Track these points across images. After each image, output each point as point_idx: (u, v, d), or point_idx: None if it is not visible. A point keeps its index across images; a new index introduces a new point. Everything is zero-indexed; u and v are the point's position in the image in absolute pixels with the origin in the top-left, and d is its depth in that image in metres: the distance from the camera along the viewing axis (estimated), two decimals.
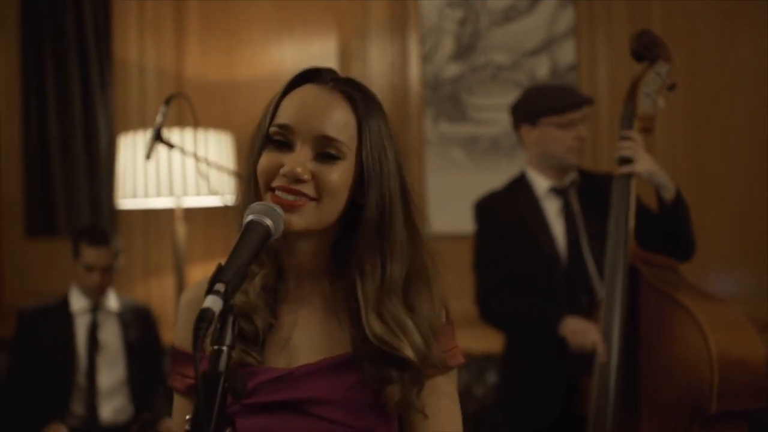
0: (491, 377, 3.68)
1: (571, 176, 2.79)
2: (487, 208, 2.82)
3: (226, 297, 1.11)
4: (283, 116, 1.27)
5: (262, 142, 1.28)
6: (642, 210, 2.61)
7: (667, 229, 2.54)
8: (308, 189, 1.25)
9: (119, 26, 4.28)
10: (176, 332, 1.35)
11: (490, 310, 2.78)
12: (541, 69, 3.84)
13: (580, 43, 3.82)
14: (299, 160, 1.24)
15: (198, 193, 3.40)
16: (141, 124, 4.02)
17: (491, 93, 3.90)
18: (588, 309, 2.66)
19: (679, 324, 2.38)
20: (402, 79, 4.04)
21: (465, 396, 3.83)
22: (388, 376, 1.25)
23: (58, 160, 4.27)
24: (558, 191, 2.77)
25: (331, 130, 1.26)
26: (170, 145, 2.96)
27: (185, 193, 3.41)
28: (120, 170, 3.50)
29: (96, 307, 3.44)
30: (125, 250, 4.05)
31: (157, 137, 2.89)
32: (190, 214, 3.80)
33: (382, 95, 4.37)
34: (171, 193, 3.40)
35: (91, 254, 3.38)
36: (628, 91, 2.61)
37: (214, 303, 1.10)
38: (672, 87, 2.59)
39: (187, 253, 3.68)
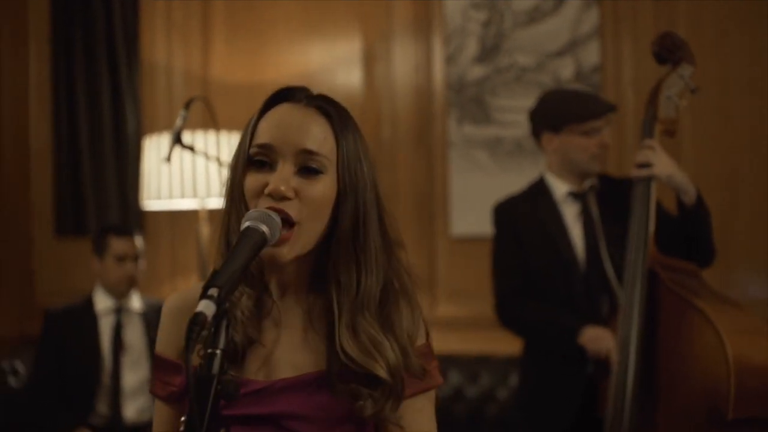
0: (514, 380, 3.66)
1: (591, 180, 2.76)
2: (505, 212, 2.81)
3: (219, 301, 1.13)
4: (263, 136, 1.28)
5: (244, 164, 1.29)
6: (662, 214, 2.58)
7: (687, 232, 2.51)
8: (293, 207, 1.25)
9: (147, 29, 4.33)
10: (158, 339, 1.36)
11: (508, 318, 2.79)
12: (566, 70, 3.82)
13: (604, 44, 3.79)
14: (282, 178, 1.25)
15: (222, 195, 3.42)
16: (168, 126, 4.05)
17: (515, 95, 3.88)
18: (608, 314, 2.64)
19: (697, 329, 2.35)
20: (426, 81, 4.04)
21: (487, 398, 3.84)
22: (358, 391, 1.25)
23: (88, 161, 4.34)
24: (576, 195, 2.74)
25: (311, 144, 1.27)
26: (190, 149, 2.99)
27: (209, 195, 3.45)
28: (145, 172, 3.54)
29: (120, 307, 3.49)
30: (153, 250, 4.11)
31: (177, 140, 2.93)
32: (215, 215, 3.83)
33: (406, 97, 4.39)
34: (195, 195, 3.44)
35: (120, 244, 3.46)
36: (650, 94, 2.58)
37: (206, 307, 1.11)
38: (694, 90, 2.56)
39: (211, 254, 3.71)
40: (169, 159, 2.97)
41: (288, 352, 1.31)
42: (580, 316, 2.63)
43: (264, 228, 1.22)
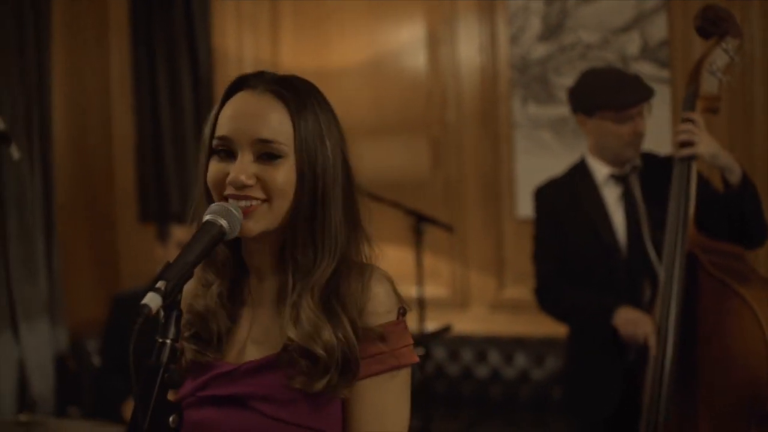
0: None
1: (633, 161, 2.67)
2: (545, 195, 2.77)
3: (165, 294, 1.18)
4: (222, 128, 1.32)
5: (207, 154, 1.33)
6: (709, 193, 2.49)
7: (733, 213, 2.40)
8: (256, 192, 1.28)
9: (218, 20, 4.45)
10: None
11: (547, 303, 2.75)
12: (632, 46, 3.71)
13: (672, 18, 3.66)
14: (241, 167, 1.28)
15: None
16: None
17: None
18: (651, 299, 2.56)
19: (737, 315, 2.26)
20: (490, 62, 4.01)
21: (553, 381, 3.79)
22: (301, 368, 1.27)
23: (170, 148, 4.51)
24: (618, 178, 2.66)
25: (266, 132, 1.29)
26: None
27: None
28: None
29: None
30: None
31: None
32: None
33: (470, 79, 4.33)
34: None
35: (181, 232, 3.62)
36: (692, 69, 2.48)
37: (151, 300, 1.16)
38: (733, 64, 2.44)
39: None
40: None
41: (259, 335, 1.35)
42: (620, 302, 2.56)
43: (222, 222, 1.26)
